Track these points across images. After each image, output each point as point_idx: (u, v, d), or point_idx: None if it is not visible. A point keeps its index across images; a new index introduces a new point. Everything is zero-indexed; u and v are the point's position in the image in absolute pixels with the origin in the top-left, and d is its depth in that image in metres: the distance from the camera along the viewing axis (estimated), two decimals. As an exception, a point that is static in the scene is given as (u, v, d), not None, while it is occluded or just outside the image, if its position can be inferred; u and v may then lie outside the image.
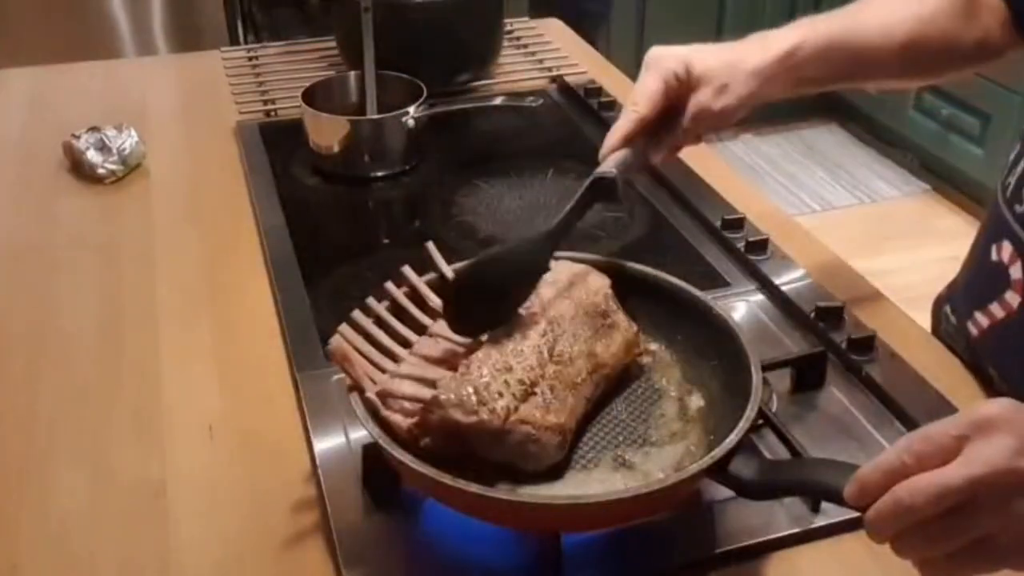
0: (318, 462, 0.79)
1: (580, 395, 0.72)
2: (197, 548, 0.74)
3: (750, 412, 0.68)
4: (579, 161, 1.27)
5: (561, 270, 0.78)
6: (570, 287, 0.77)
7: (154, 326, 0.98)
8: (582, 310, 0.75)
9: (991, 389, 0.89)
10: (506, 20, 1.55)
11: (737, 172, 1.30)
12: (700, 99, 0.81)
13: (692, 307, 0.79)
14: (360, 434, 0.77)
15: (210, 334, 0.97)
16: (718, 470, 0.66)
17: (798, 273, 1.01)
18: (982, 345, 0.90)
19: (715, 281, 1.02)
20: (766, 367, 0.85)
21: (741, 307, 0.98)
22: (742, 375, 0.73)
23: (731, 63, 0.82)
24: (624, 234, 1.12)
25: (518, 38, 1.65)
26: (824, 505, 0.74)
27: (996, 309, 0.87)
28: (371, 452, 0.74)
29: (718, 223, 1.09)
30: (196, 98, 1.48)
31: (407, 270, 0.80)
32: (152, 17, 2.32)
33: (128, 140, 1.25)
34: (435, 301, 0.80)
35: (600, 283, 0.78)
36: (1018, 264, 0.84)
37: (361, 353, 0.73)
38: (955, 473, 0.53)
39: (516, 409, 0.67)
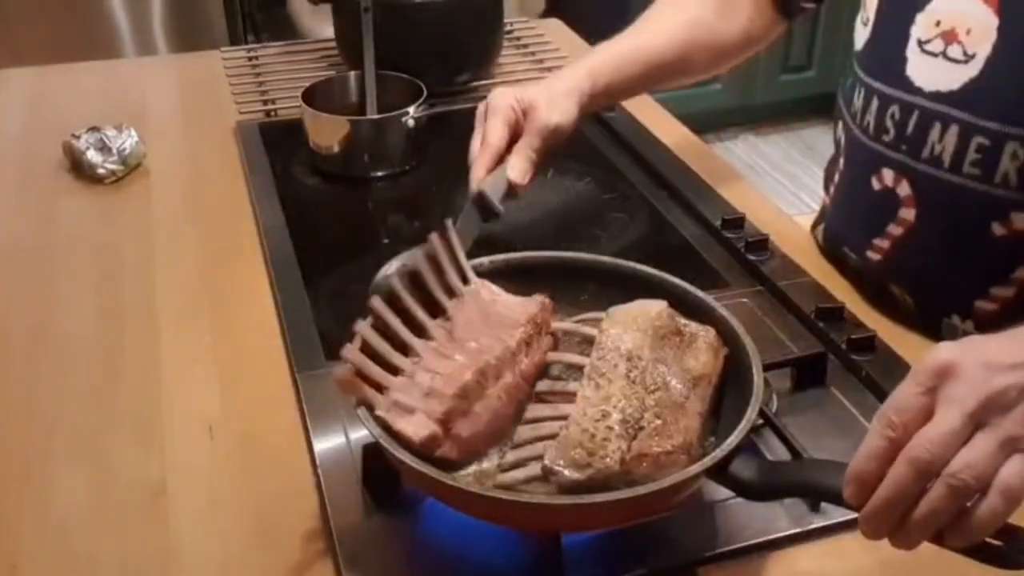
0: (318, 462, 0.79)
1: (691, 412, 0.71)
2: (197, 548, 0.74)
3: (751, 413, 0.68)
4: (579, 161, 1.27)
5: (613, 311, 0.77)
6: (631, 322, 0.75)
7: (154, 326, 0.98)
8: (653, 336, 0.74)
9: (894, 308, 0.97)
10: (506, 20, 1.55)
11: (737, 172, 1.30)
12: (538, 118, 0.95)
13: (696, 308, 0.79)
14: (360, 434, 0.77)
15: (210, 334, 0.97)
16: (719, 471, 0.66)
17: (798, 273, 1.01)
18: (885, 267, 0.97)
19: (715, 281, 1.02)
20: (766, 367, 0.84)
21: (741, 307, 0.98)
22: (743, 375, 0.73)
23: (548, 88, 0.99)
24: (624, 234, 1.12)
25: (518, 38, 1.65)
26: (824, 505, 0.74)
27: (894, 228, 0.95)
28: (371, 452, 0.74)
29: (718, 223, 1.09)
30: (196, 98, 1.48)
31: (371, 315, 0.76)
32: (152, 17, 2.31)
33: (128, 140, 1.25)
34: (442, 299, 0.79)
35: (658, 306, 0.77)
36: (904, 182, 0.92)
37: (366, 376, 0.70)
38: (951, 416, 0.55)
39: (629, 448, 0.66)
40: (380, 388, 0.70)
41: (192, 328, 0.98)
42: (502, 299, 0.80)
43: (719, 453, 0.66)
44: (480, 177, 0.93)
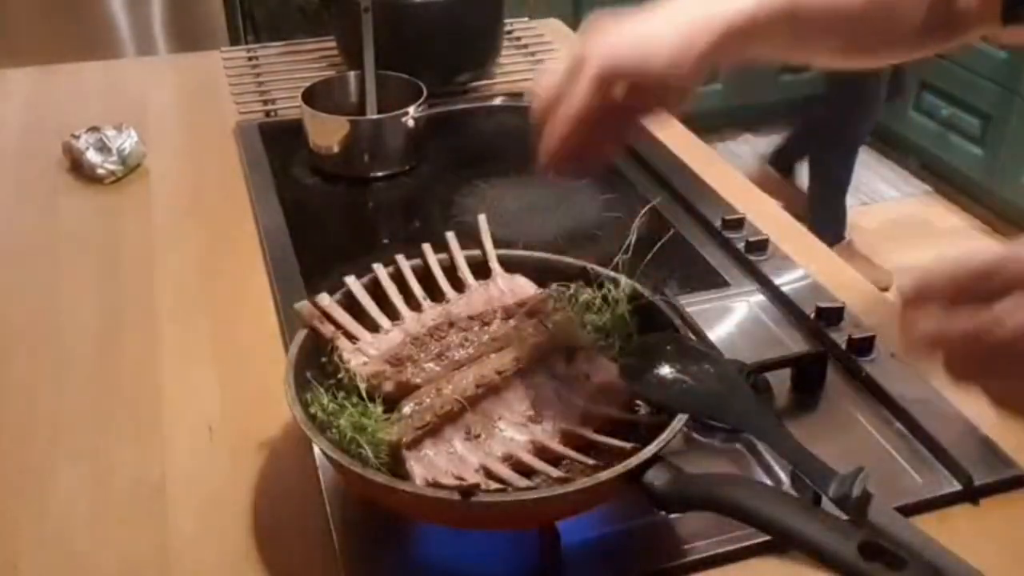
0: (318, 462, 0.79)
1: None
2: (197, 548, 0.74)
3: (676, 424, 0.68)
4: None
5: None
6: None
7: (154, 326, 0.98)
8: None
9: None
10: (506, 20, 1.55)
11: (737, 172, 1.30)
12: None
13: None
14: (360, 434, 0.77)
15: (210, 334, 0.97)
16: (632, 479, 0.66)
17: (798, 273, 1.01)
18: None
19: (715, 281, 1.02)
20: (767, 367, 0.85)
21: (741, 307, 0.98)
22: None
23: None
24: (623, 234, 1.12)
25: (518, 38, 1.65)
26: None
27: None
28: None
29: (718, 223, 1.09)
30: (196, 98, 1.49)
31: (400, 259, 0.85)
32: (152, 17, 2.32)
33: (128, 140, 1.25)
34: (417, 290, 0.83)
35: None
36: None
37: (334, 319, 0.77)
38: None
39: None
40: (352, 337, 0.78)
41: (192, 328, 0.98)
42: (517, 289, 0.83)
43: (633, 461, 0.65)
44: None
